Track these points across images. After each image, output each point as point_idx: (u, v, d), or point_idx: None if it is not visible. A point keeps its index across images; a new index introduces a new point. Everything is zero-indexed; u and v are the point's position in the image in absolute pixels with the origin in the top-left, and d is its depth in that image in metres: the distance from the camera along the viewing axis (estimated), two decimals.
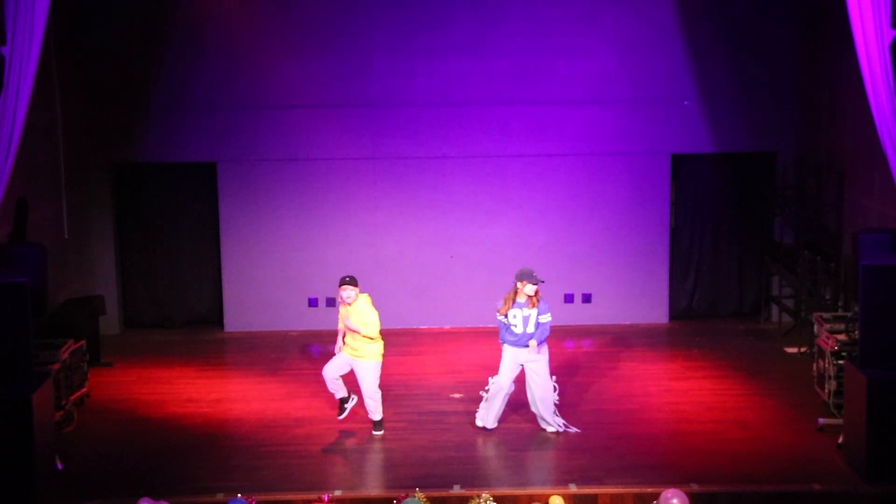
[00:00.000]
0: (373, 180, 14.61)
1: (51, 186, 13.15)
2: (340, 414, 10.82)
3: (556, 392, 10.81)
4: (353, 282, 10.51)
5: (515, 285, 10.59)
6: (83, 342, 11.88)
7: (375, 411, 10.78)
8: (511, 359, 10.68)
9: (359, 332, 10.43)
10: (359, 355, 10.57)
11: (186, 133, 14.47)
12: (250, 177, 14.54)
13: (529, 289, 10.50)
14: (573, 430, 10.73)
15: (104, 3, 14.10)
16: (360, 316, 10.45)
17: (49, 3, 9.50)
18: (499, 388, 10.73)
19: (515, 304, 10.58)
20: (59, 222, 13.36)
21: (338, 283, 10.58)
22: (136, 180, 14.78)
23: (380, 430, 10.83)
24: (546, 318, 10.59)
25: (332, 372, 10.63)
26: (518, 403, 11.44)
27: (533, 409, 10.85)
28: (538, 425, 10.86)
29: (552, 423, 10.75)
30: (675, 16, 14.36)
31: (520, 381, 10.86)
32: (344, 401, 10.79)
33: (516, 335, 10.60)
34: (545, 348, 10.73)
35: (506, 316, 10.63)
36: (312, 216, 14.62)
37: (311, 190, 14.59)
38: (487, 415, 10.83)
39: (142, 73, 14.29)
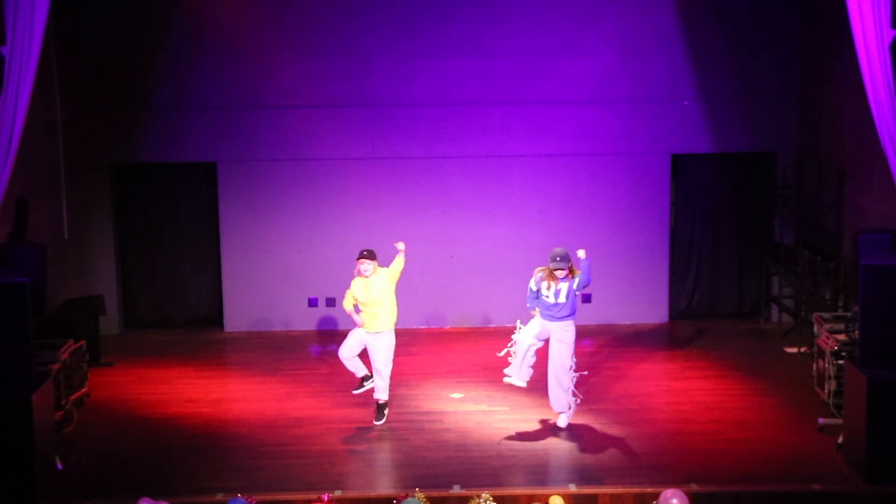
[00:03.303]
0: (373, 180, 14.61)
1: (51, 186, 13.16)
2: (357, 389, 11.02)
3: (575, 373, 10.78)
4: (370, 255, 10.84)
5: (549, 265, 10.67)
6: (83, 342, 11.88)
7: (384, 390, 10.94)
8: (539, 321, 10.75)
9: (401, 263, 10.76)
10: (376, 327, 10.76)
11: (186, 133, 14.47)
12: (250, 177, 14.55)
13: (558, 273, 10.61)
14: (578, 400, 10.85)
15: (104, 4, 14.11)
16: (386, 280, 10.78)
17: (49, 3, 9.52)
18: (521, 340, 10.78)
19: (560, 279, 10.60)
20: (59, 222, 13.36)
21: (356, 257, 10.92)
22: (136, 180, 14.77)
23: (381, 419, 10.93)
24: (578, 282, 10.60)
25: (348, 352, 10.90)
26: (517, 404, 11.45)
27: (549, 386, 10.85)
28: (538, 425, 10.87)
29: (560, 401, 10.76)
30: (676, 16, 14.36)
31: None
32: (365, 378, 11.00)
33: (549, 306, 10.65)
34: (571, 330, 10.70)
35: (537, 287, 10.70)
36: (312, 216, 14.63)
37: (311, 190, 14.59)
38: (516, 370, 10.86)
39: (142, 73, 14.29)
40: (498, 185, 14.65)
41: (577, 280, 10.61)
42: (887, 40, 9.52)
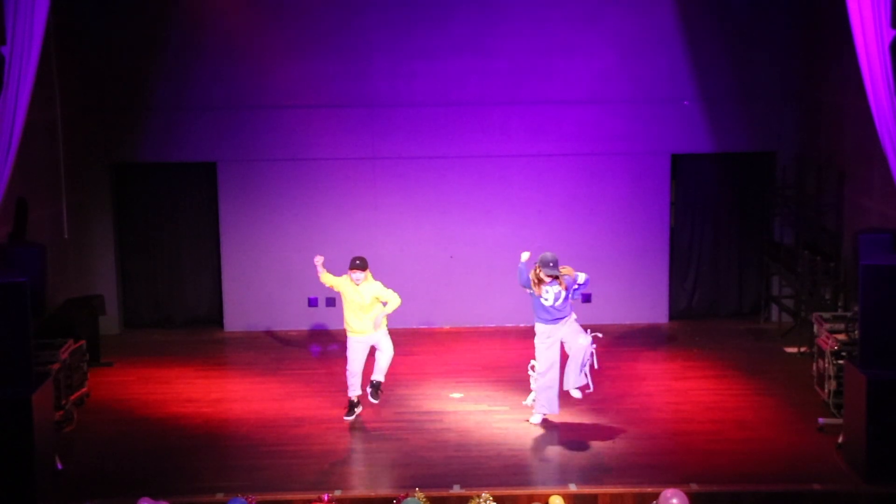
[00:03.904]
0: (373, 180, 14.61)
1: (51, 186, 13.16)
2: (348, 415, 11.08)
3: (593, 351, 10.86)
4: (362, 265, 10.89)
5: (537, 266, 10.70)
6: (83, 342, 11.88)
7: (382, 372, 11.12)
8: (545, 342, 10.75)
9: (388, 312, 10.93)
10: (375, 328, 10.91)
11: (186, 133, 14.47)
12: (250, 177, 14.55)
13: (544, 277, 10.65)
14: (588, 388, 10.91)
15: (104, 4, 14.10)
16: (376, 293, 10.89)
17: (49, 3, 9.51)
18: (547, 371, 10.77)
19: (547, 283, 10.68)
20: (59, 222, 13.37)
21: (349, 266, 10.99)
22: (136, 180, 14.77)
23: (376, 398, 11.08)
24: (581, 279, 10.81)
25: (357, 365, 11.05)
26: (517, 404, 11.44)
27: (567, 369, 10.84)
28: (537, 425, 10.86)
29: (576, 380, 10.78)
30: (676, 16, 14.36)
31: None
32: (354, 405, 11.08)
33: (546, 309, 10.70)
34: (573, 314, 10.82)
35: (529, 281, 10.79)
36: (312, 216, 14.63)
37: (311, 190, 14.59)
38: (548, 403, 10.86)
39: (141, 73, 14.29)
40: (498, 185, 14.65)
41: (578, 278, 10.75)
42: (887, 40, 9.52)
